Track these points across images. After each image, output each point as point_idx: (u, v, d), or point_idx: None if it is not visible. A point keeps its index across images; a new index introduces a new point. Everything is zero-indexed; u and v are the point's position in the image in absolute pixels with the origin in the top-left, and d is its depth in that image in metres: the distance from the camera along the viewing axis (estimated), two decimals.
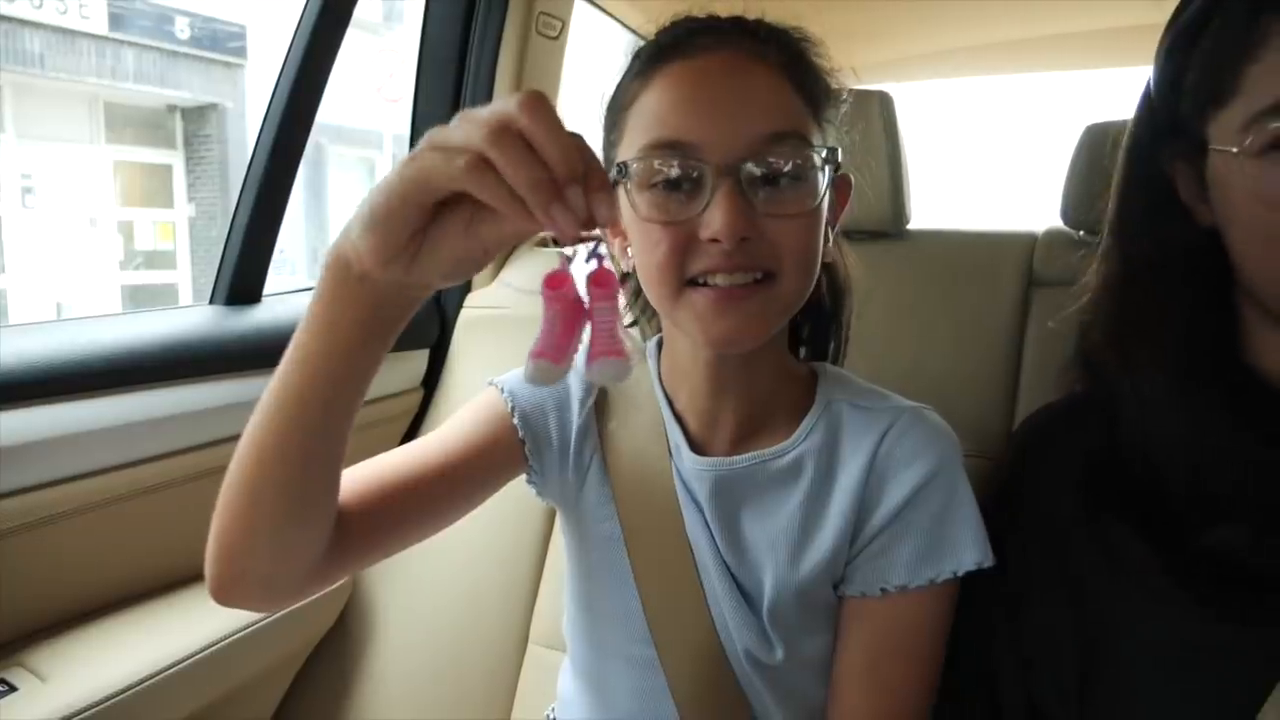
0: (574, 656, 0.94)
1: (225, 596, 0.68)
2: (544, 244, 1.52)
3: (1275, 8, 0.63)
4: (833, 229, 0.81)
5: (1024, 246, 1.26)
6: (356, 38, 1.25)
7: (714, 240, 0.71)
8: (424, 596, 1.29)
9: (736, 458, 0.82)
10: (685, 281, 0.74)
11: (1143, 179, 0.74)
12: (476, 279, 1.51)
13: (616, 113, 0.79)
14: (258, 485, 0.64)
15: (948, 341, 1.22)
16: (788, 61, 0.77)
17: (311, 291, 0.61)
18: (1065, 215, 1.25)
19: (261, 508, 0.64)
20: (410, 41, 1.47)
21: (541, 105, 0.52)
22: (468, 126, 0.52)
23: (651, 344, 0.91)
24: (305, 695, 1.28)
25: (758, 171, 0.72)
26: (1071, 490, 0.76)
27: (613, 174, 0.75)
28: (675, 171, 0.72)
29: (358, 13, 1.23)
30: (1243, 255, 0.68)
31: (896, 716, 0.79)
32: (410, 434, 1.44)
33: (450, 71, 1.44)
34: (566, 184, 0.52)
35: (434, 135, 0.54)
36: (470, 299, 1.50)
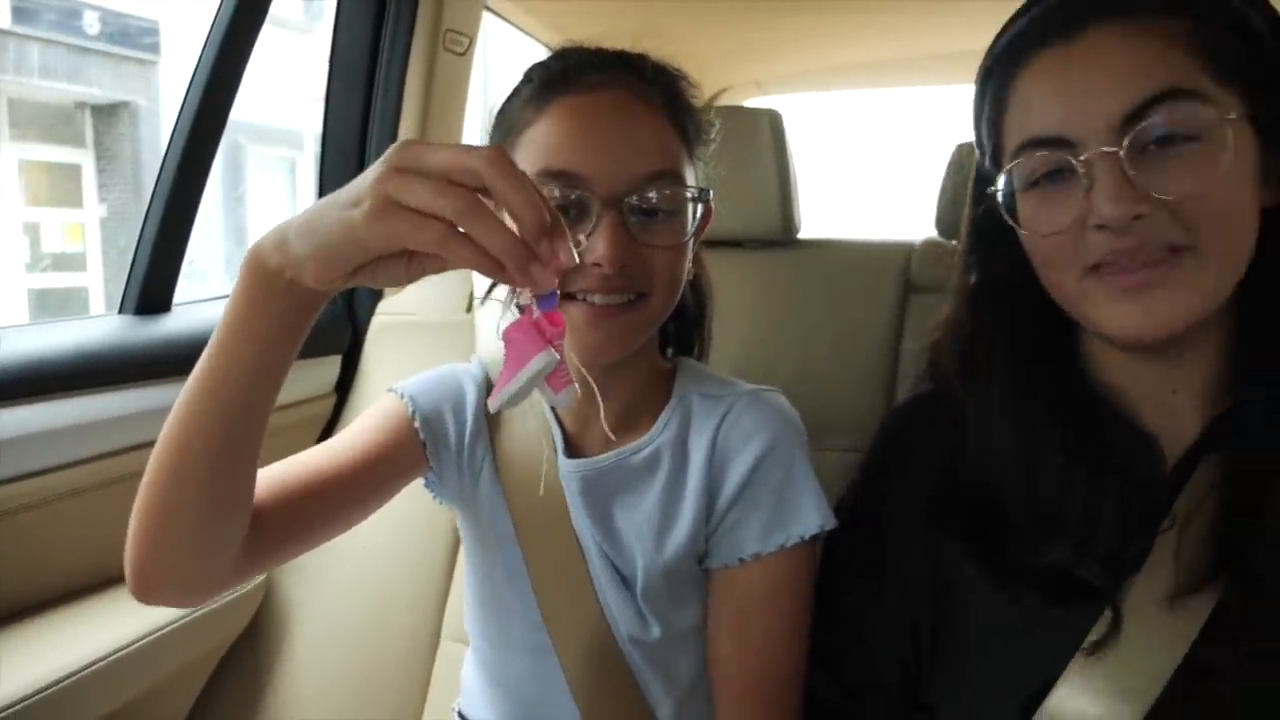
0: (475, 649, 1.00)
1: (145, 593, 0.71)
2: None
3: (1021, 66, 0.71)
4: (693, 248, 0.89)
5: (902, 255, 1.35)
6: (277, 35, 1.26)
7: (596, 265, 0.79)
8: (337, 595, 1.32)
9: (602, 456, 0.90)
10: (564, 296, 0.81)
11: (982, 211, 0.79)
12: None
13: (509, 134, 0.85)
14: (177, 483, 0.67)
15: (833, 343, 1.30)
16: (668, 103, 0.85)
17: (227, 298, 0.65)
18: (939, 226, 1.35)
19: (180, 505, 0.67)
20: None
21: (506, 163, 0.56)
22: (430, 187, 0.55)
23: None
24: (221, 695, 1.30)
25: (639, 205, 0.81)
26: (923, 491, 0.82)
27: None
28: (564, 199, 0.80)
29: (279, 10, 1.25)
30: (1046, 285, 0.74)
31: (770, 669, 0.87)
32: (323, 439, 1.47)
33: (360, 84, 1.48)
34: (538, 241, 0.57)
35: (392, 188, 0.55)
36: (382, 306, 1.53)
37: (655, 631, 0.88)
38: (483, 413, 0.94)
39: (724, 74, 2.21)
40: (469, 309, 1.33)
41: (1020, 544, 0.74)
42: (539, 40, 1.77)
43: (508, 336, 0.65)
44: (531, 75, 0.87)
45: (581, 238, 0.80)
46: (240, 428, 0.67)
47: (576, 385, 0.65)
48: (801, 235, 1.40)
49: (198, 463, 0.66)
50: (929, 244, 1.37)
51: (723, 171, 1.32)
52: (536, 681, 0.93)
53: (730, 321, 1.34)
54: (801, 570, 0.89)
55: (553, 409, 0.93)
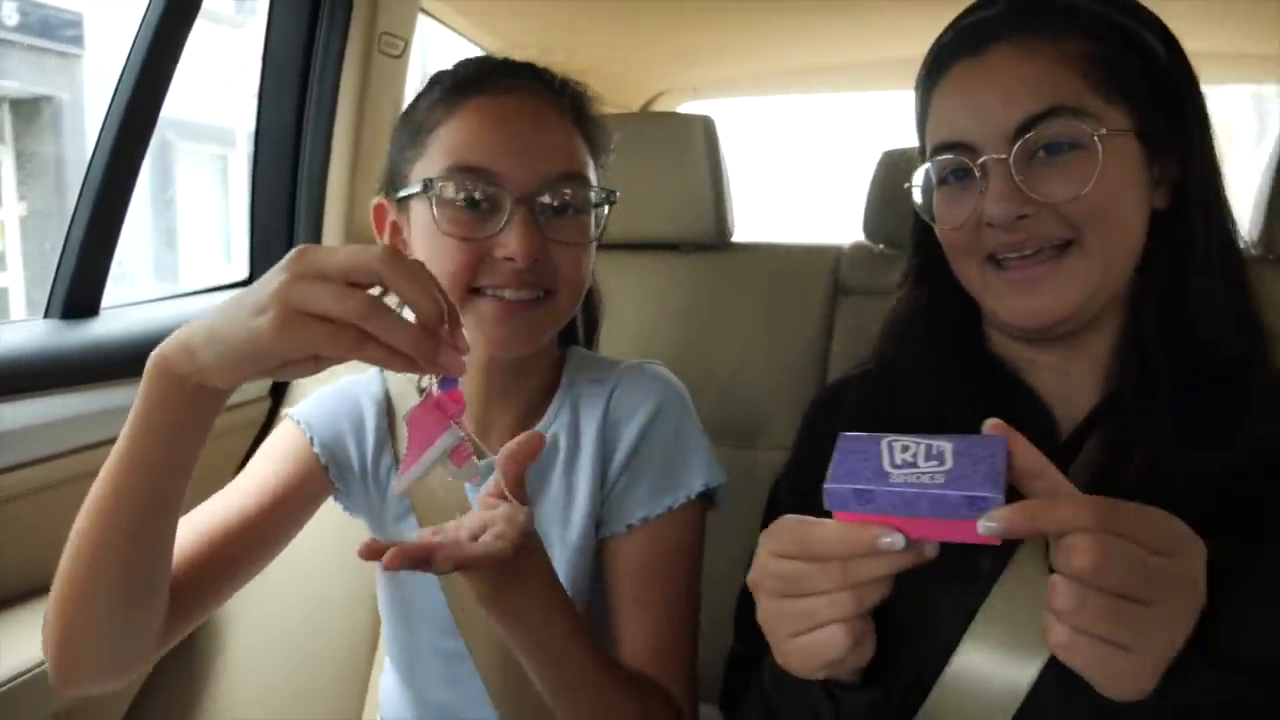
0: (391, 658, 1.02)
1: (68, 684, 0.72)
2: None
3: (939, 76, 0.79)
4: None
5: (832, 258, 1.39)
6: (208, 29, 1.25)
7: (508, 259, 0.83)
8: (272, 601, 1.31)
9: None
10: (472, 290, 0.85)
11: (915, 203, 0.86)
12: None
13: (419, 133, 0.89)
14: (91, 578, 0.69)
15: (766, 344, 1.34)
16: (575, 110, 0.90)
17: (159, 301, 0.66)
18: (867, 230, 1.39)
19: (96, 598, 0.69)
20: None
21: (400, 260, 0.59)
22: (332, 293, 0.58)
23: None
24: (155, 702, 1.28)
25: (550, 203, 0.85)
26: None
27: (414, 189, 0.86)
28: (479, 194, 0.83)
29: (210, 3, 1.23)
30: (956, 274, 0.82)
31: (670, 626, 0.91)
32: (258, 442, 1.45)
33: (293, 85, 1.47)
34: (438, 329, 0.60)
35: (295, 297, 0.58)
36: None
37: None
38: (384, 425, 0.97)
39: (660, 78, 2.24)
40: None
41: None
42: (477, 44, 1.77)
43: (411, 419, 0.67)
44: (440, 79, 0.91)
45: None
46: (152, 522, 0.69)
47: (477, 460, 0.69)
48: (735, 239, 1.43)
49: (112, 557, 0.68)
50: (857, 247, 1.41)
51: (657, 176, 1.35)
52: (451, 684, 0.95)
53: (665, 322, 1.37)
54: (691, 532, 0.94)
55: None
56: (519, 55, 0.95)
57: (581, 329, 1.08)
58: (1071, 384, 0.81)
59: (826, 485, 0.56)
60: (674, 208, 1.38)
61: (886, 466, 0.56)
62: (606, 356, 1.03)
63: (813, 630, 0.59)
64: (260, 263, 1.54)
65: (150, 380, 0.64)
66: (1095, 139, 0.72)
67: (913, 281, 0.90)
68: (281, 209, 1.52)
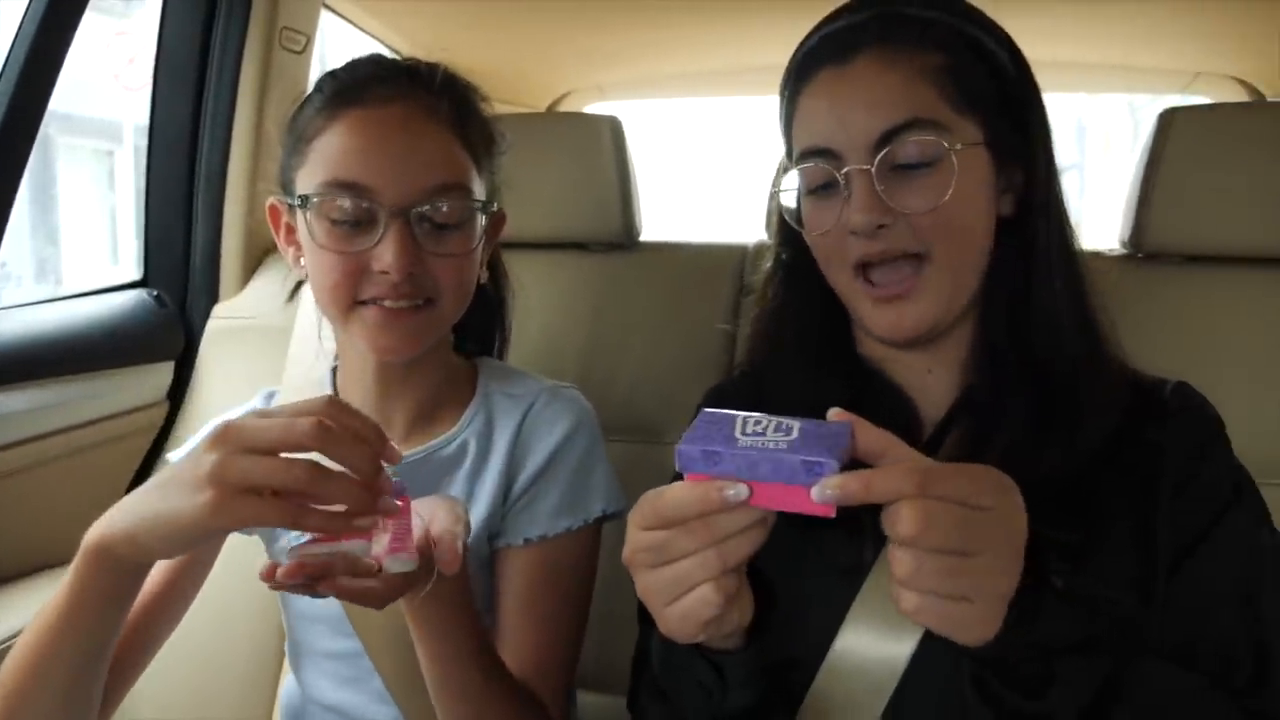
0: (290, 660, 1.02)
1: None
2: None
3: (805, 82, 0.81)
4: (485, 253, 0.95)
5: (737, 257, 1.42)
6: (92, 19, 1.21)
7: (384, 272, 0.84)
8: None
9: (411, 451, 0.95)
10: (356, 301, 0.87)
11: (778, 210, 0.90)
12: (224, 287, 1.50)
13: (300, 141, 0.89)
14: (29, 710, 0.75)
15: (674, 342, 1.35)
16: (456, 116, 0.90)
17: (47, 303, 0.67)
18: (769, 229, 1.43)
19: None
20: (153, 26, 1.44)
21: (331, 432, 0.63)
22: (268, 466, 0.62)
23: (328, 371, 1.02)
24: None
25: (425, 216, 0.86)
26: None
27: (296, 201, 0.88)
28: (352, 209, 0.85)
29: None
30: (827, 278, 0.85)
31: (553, 642, 0.94)
32: (156, 448, 1.42)
33: (190, 80, 1.43)
34: (374, 480, 0.65)
35: (232, 476, 0.62)
36: (218, 309, 1.48)
37: None
38: None
39: (566, 78, 2.25)
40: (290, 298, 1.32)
41: None
42: (381, 41, 1.75)
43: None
44: (322, 85, 0.91)
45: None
46: (86, 669, 0.75)
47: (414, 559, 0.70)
48: (643, 238, 1.45)
49: (46, 699, 0.74)
50: (762, 246, 1.44)
51: (564, 175, 1.37)
52: (350, 686, 0.95)
53: (574, 321, 1.38)
54: (585, 553, 0.98)
55: None
56: (420, 53, 0.96)
57: (475, 332, 1.09)
58: (934, 382, 0.85)
59: (678, 447, 0.60)
60: (582, 207, 1.39)
61: (736, 434, 0.60)
62: (522, 370, 1.05)
63: (686, 593, 0.61)
64: (155, 263, 1.50)
65: (89, 562, 0.70)
66: (951, 155, 0.76)
67: (781, 282, 0.93)
68: (177, 208, 1.48)
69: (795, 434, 0.60)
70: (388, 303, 0.87)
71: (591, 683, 1.28)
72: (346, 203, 0.85)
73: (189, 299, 1.49)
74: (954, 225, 0.77)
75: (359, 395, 0.98)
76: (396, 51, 1.72)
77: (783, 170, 0.89)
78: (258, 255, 1.53)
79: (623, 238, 1.41)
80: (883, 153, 0.76)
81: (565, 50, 2.03)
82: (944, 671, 0.72)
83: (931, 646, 0.73)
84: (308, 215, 0.86)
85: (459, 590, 0.79)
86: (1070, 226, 0.84)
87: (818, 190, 0.81)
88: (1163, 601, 0.75)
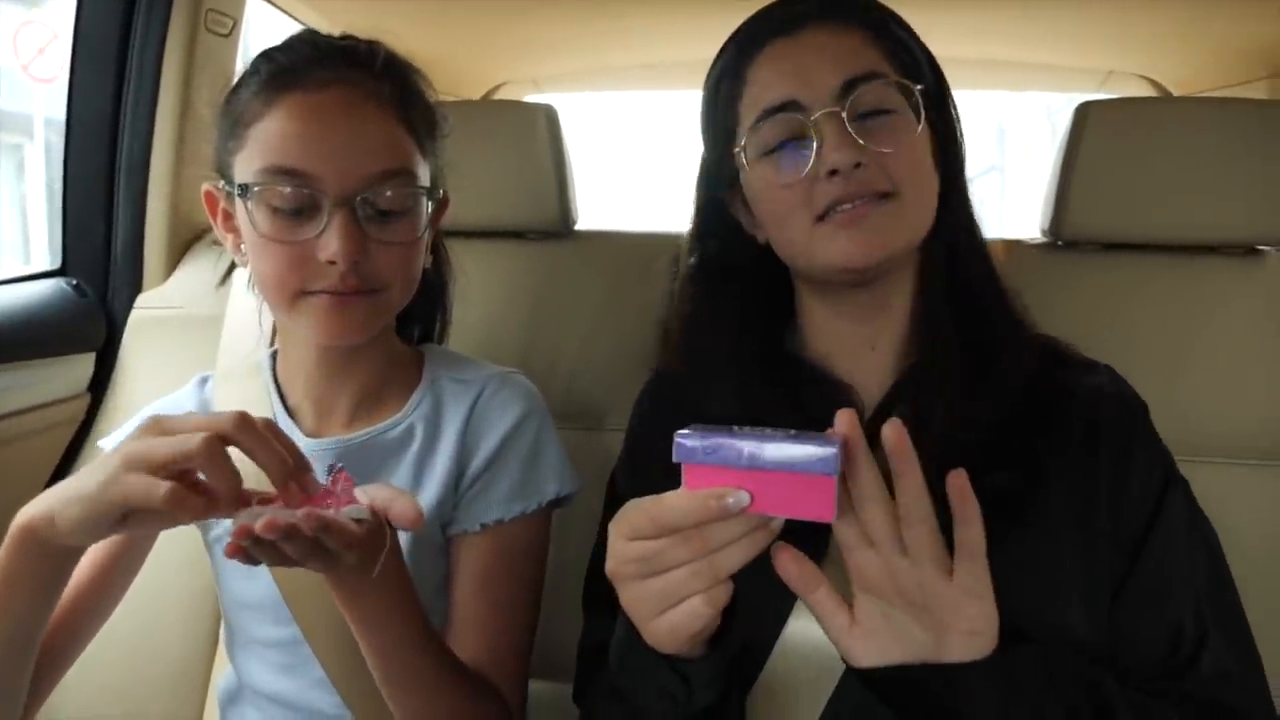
0: (228, 652, 1.01)
1: None
2: None
3: (754, 54, 0.84)
4: (429, 238, 0.94)
5: (673, 245, 1.43)
6: (1, 8, 1.16)
7: (330, 262, 0.83)
8: None
9: (353, 434, 0.94)
10: (303, 292, 0.85)
11: (707, 204, 0.91)
12: (148, 277, 1.46)
13: (238, 126, 0.86)
14: None
15: (612, 330, 1.36)
16: (399, 99, 0.88)
17: None
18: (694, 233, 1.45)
19: None
20: (65, 14, 1.39)
21: (220, 455, 0.66)
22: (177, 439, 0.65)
23: (267, 357, 1.01)
24: None
25: (370, 203, 0.84)
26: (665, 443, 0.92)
27: (235, 189, 0.85)
28: (294, 197, 0.83)
29: None
30: (779, 244, 0.86)
31: (509, 627, 0.94)
32: (77, 441, 1.37)
33: (110, 66, 1.38)
34: (286, 483, 0.68)
35: (138, 447, 0.65)
36: (142, 299, 1.44)
37: None
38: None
39: (501, 70, 2.24)
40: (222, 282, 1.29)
41: None
42: (306, 26, 1.72)
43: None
44: (259, 66, 0.88)
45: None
46: (14, 656, 0.75)
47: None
48: (580, 227, 1.46)
49: None
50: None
51: (500, 164, 1.36)
52: (290, 674, 0.94)
53: (513, 309, 1.38)
54: (538, 536, 0.98)
55: (283, 400, 0.98)
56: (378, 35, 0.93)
57: (417, 317, 1.09)
58: (875, 363, 0.88)
59: (676, 437, 0.59)
60: (518, 196, 1.38)
61: (735, 430, 0.60)
62: (469, 357, 1.05)
63: (675, 606, 0.61)
64: (74, 252, 1.45)
65: (15, 545, 0.70)
66: (914, 99, 0.80)
67: (709, 282, 0.93)
68: (98, 195, 1.43)
69: (793, 432, 0.60)
70: (335, 291, 0.85)
71: (535, 670, 1.28)
72: (288, 190, 0.82)
73: (110, 289, 1.44)
74: (914, 167, 0.81)
75: (301, 381, 0.97)
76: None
77: (709, 166, 0.91)
78: (183, 244, 1.49)
79: (559, 226, 1.41)
80: (849, 98, 0.79)
81: (500, 41, 2.02)
82: None
83: None
84: (249, 204, 0.84)
85: (396, 576, 0.78)
86: (975, 215, 0.89)
87: (777, 148, 0.82)
88: (1114, 593, 0.78)
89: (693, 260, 0.95)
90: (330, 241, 0.82)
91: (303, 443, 0.94)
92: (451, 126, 0.97)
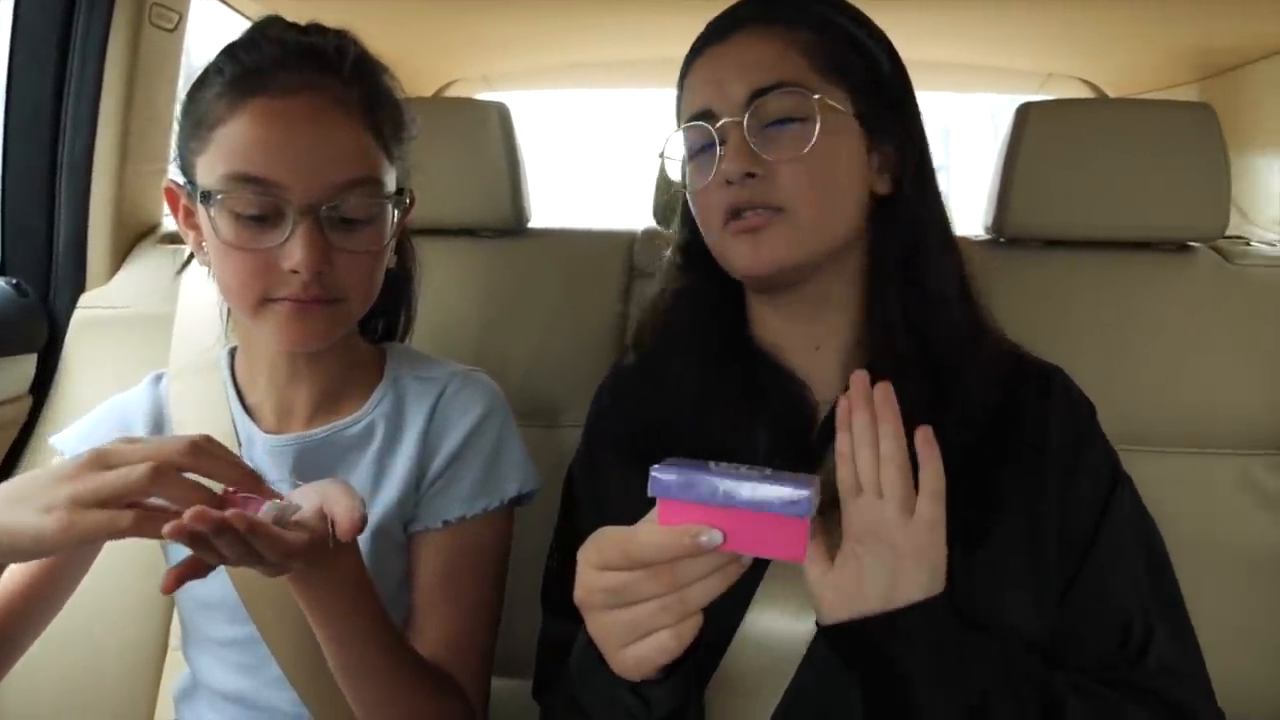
0: (184, 652, 1.00)
1: None
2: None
3: (691, 60, 0.88)
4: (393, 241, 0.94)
5: (626, 243, 1.45)
6: None
7: (294, 271, 0.82)
8: None
9: (314, 430, 0.94)
10: (266, 299, 0.84)
11: (667, 203, 0.94)
12: (92, 276, 1.43)
13: (201, 126, 0.84)
14: None
15: (566, 327, 1.37)
16: (367, 104, 0.87)
17: None
18: (655, 215, 1.46)
19: None
20: (2, 6, 1.35)
21: (208, 448, 0.68)
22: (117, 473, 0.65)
23: (224, 354, 1.00)
24: None
25: (335, 214, 0.83)
26: (622, 439, 0.94)
27: (197, 192, 0.84)
28: (258, 204, 0.82)
29: None
30: (706, 242, 0.89)
31: (472, 624, 0.94)
32: (19, 445, 1.34)
33: (51, 59, 1.34)
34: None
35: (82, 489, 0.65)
36: (85, 298, 1.41)
37: None
38: (165, 421, 0.98)
39: (452, 67, 2.22)
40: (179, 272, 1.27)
41: None
42: (251, 20, 1.69)
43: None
44: (223, 65, 0.85)
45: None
46: None
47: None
48: (534, 224, 1.46)
49: None
50: (649, 232, 1.47)
51: (452, 162, 1.36)
52: (247, 674, 0.93)
53: (466, 307, 1.38)
54: (501, 533, 0.98)
55: (241, 399, 0.97)
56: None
57: (380, 315, 1.08)
58: (822, 363, 0.89)
59: (652, 472, 0.60)
60: (471, 194, 1.38)
61: (710, 466, 0.61)
62: (431, 355, 1.05)
63: (643, 639, 0.61)
64: (13, 251, 1.41)
65: None
66: (815, 106, 0.81)
67: (678, 267, 0.96)
68: (39, 195, 1.40)
69: (769, 471, 0.61)
70: (297, 299, 0.85)
71: (495, 667, 1.28)
72: (252, 197, 0.81)
73: (52, 288, 1.41)
74: (815, 180, 0.82)
75: (262, 379, 0.96)
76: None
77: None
78: (128, 242, 1.46)
79: (512, 224, 1.41)
80: (752, 108, 0.82)
81: (451, 38, 2.01)
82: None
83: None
84: (211, 210, 0.83)
85: (353, 570, 0.78)
86: (946, 210, 0.90)
87: (698, 153, 0.86)
88: (1062, 592, 0.81)
89: (672, 248, 0.98)
90: (294, 250, 0.81)
91: (262, 440, 0.94)
92: (419, 126, 0.96)
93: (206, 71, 0.87)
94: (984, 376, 0.84)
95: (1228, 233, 1.36)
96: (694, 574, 0.60)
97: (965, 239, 1.37)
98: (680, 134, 0.89)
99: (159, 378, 1.04)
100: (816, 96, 0.82)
